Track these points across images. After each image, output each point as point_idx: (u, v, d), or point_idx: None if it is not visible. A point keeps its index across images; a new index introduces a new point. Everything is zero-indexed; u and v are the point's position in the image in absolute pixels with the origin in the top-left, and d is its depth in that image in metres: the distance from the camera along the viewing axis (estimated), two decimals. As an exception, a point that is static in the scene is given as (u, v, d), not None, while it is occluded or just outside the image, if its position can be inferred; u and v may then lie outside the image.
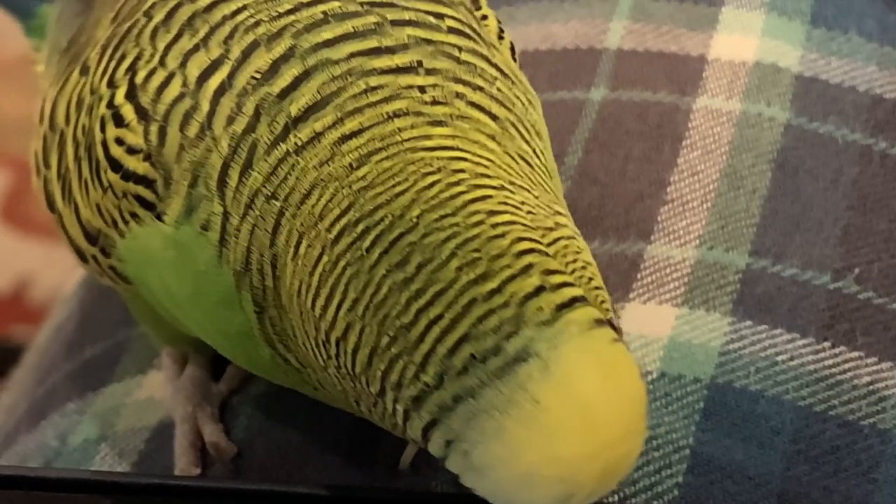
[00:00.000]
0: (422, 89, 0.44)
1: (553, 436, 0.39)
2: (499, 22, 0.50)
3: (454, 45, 0.46)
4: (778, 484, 0.50)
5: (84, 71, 0.49)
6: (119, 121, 0.46)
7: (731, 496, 0.50)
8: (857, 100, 0.60)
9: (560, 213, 0.43)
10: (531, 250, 0.40)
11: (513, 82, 0.47)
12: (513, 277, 0.40)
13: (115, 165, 0.47)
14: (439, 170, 0.42)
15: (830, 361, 0.53)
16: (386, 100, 0.44)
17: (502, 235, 0.40)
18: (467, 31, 0.47)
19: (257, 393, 0.54)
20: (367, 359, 0.40)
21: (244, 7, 0.46)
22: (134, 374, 0.58)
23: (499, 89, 0.46)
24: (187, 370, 0.55)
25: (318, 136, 0.43)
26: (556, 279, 0.40)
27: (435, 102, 0.44)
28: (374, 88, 0.44)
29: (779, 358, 0.53)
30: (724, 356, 0.53)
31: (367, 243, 0.41)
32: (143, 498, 0.48)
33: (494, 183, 0.42)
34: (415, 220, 0.41)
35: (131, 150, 0.46)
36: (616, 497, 0.50)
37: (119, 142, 0.46)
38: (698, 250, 0.56)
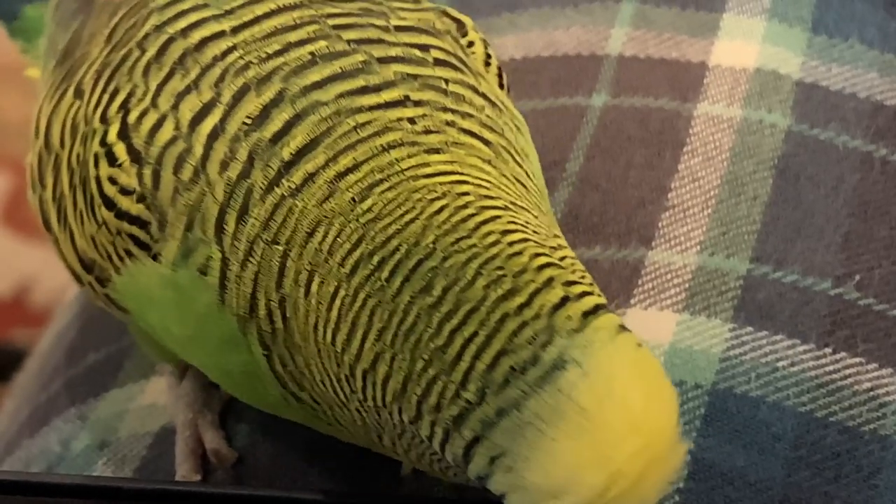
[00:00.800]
0: (412, 121, 0.45)
1: (599, 437, 0.39)
2: (485, 46, 0.50)
3: (441, 78, 0.46)
4: (779, 490, 0.50)
5: (78, 94, 0.49)
6: (112, 159, 0.47)
7: (732, 502, 0.50)
8: (858, 107, 0.60)
9: (557, 235, 0.44)
10: (549, 264, 0.41)
11: (500, 110, 0.47)
12: (538, 291, 0.40)
13: (109, 203, 0.47)
14: (444, 195, 0.42)
15: (831, 367, 0.53)
16: (377, 133, 0.44)
17: (520, 253, 0.41)
18: (454, 61, 0.47)
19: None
20: (402, 386, 0.41)
21: (234, 47, 0.46)
22: (136, 379, 0.58)
23: (487, 116, 0.46)
24: (188, 377, 0.55)
25: (311, 176, 0.43)
26: (577, 289, 0.41)
27: (427, 132, 0.44)
28: (363, 125, 0.44)
29: (780, 364, 0.53)
30: (725, 362, 0.53)
31: (385, 273, 0.41)
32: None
33: (499, 203, 0.42)
34: (431, 245, 0.41)
35: (124, 191, 0.46)
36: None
37: (112, 181, 0.47)
38: (699, 256, 0.56)
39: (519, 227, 0.42)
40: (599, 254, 0.56)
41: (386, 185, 0.43)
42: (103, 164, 0.47)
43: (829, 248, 0.56)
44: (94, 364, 0.60)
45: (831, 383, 0.53)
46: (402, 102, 0.45)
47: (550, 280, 0.41)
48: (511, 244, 0.41)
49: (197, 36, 0.47)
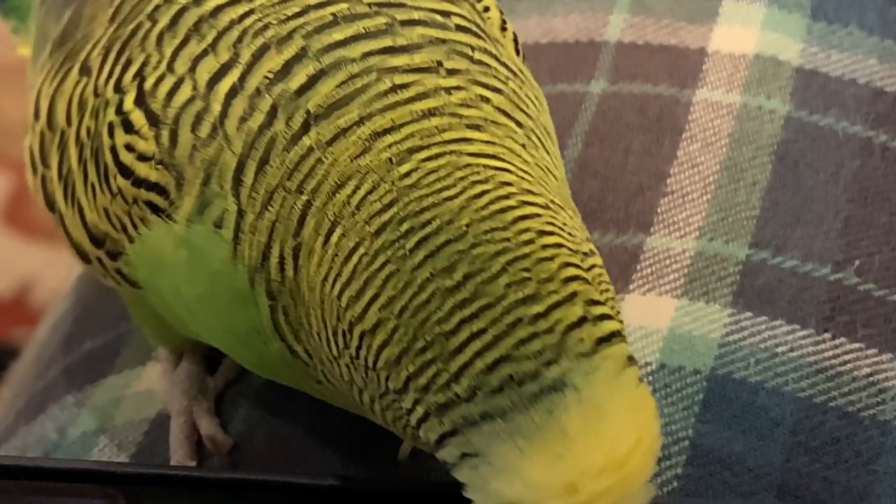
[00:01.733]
0: (448, 91, 0.44)
1: (574, 468, 0.39)
2: (501, 12, 0.50)
3: (466, 44, 0.46)
4: (778, 475, 0.50)
5: (85, 71, 0.49)
6: (129, 127, 0.46)
7: (730, 487, 0.50)
8: (857, 93, 0.60)
9: (588, 239, 0.43)
10: (576, 277, 0.40)
11: (522, 81, 0.47)
12: (559, 304, 0.40)
13: (126, 172, 0.46)
14: (487, 180, 0.41)
15: (830, 353, 0.53)
16: (416, 97, 0.43)
17: (551, 259, 0.40)
18: (474, 28, 0.47)
19: (257, 384, 0.54)
20: (396, 357, 0.40)
21: (251, 11, 0.46)
22: (133, 366, 0.58)
23: (513, 90, 0.46)
24: (183, 364, 0.55)
25: (343, 131, 0.43)
26: (597, 310, 0.40)
27: (466, 105, 0.44)
28: (400, 86, 0.44)
29: (779, 349, 0.53)
30: (724, 348, 0.53)
31: (411, 243, 0.41)
32: (142, 488, 0.48)
33: (540, 201, 0.42)
34: (464, 228, 0.41)
35: (142, 157, 0.46)
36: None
37: (129, 148, 0.46)
38: (698, 242, 0.56)
39: (556, 230, 0.41)
40: (598, 239, 0.56)
41: (427, 153, 0.42)
42: (119, 132, 0.47)
43: (828, 234, 0.56)
44: (91, 351, 0.60)
45: (831, 369, 0.52)
46: (435, 69, 0.44)
47: (573, 295, 0.40)
48: (545, 247, 0.40)
49: (211, 3, 0.46)
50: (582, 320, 0.40)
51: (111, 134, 0.47)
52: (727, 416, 0.51)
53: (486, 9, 0.49)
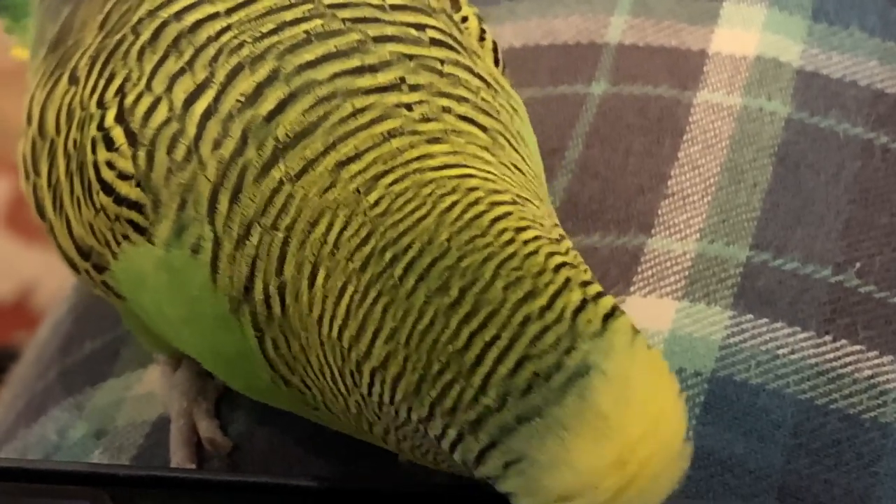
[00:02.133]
0: (408, 107, 0.44)
1: (618, 442, 0.39)
2: (479, 21, 0.50)
3: (436, 59, 0.46)
4: (778, 477, 0.50)
5: (73, 80, 0.49)
6: (110, 144, 0.46)
7: (731, 490, 0.50)
8: (858, 94, 0.60)
9: (556, 225, 0.43)
10: (564, 264, 0.41)
11: (496, 91, 0.47)
12: (558, 293, 0.40)
13: (108, 189, 0.47)
14: (454, 190, 0.42)
15: (832, 355, 0.53)
16: (376, 120, 0.44)
17: (536, 252, 0.40)
18: (449, 41, 0.47)
19: (257, 386, 0.54)
20: (415, 387, 0.40)
21: (228, 27, 0.46)
22: (134, 368, 0.58)
23: (483, 99, 0.46)
24: (182, 366, 0.55)
25: (311, 163, 0.43)
26: (592, 290, 0.40)
27: (425, 119, 0.44)
28: (361, 110, 0.44)
29: (780, 351, 0.53)
30: (725, 350, 0.53)
31: (398, 271, 0.41)
32: (142, 490, 0.48)
33: (507, 198, 0.42)
34: (445, 244, 0.41)
35: (123, 176, 0.46)
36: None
37: (110, 165, 0.46)
38: (699, 244, 0.56)
39: (530, 223, 0.41)
40: (598, 241, 0.56)
41: (391, 176, 0.42)
42: (101, 148, 0.47)
43: (829, 236, 0.56)
44: (91, 353, 0.60)
45: (832, 371, 0.52)
46: (397, 86, 0.45)
47: (567, 281, 0.40)
48: (525, 243, 0.41)
49: (191, 18, 0.47)
50: (584, 302, 0.40)
51: (94, 150, 0.47)
52: (728, 417, 0.51)
53: (465, 19, 0.49)
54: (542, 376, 0.39)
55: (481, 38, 0.49)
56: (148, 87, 0.46)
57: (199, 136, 0.45)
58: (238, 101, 0.45)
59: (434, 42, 0.47)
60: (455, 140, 0.44)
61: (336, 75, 0.45)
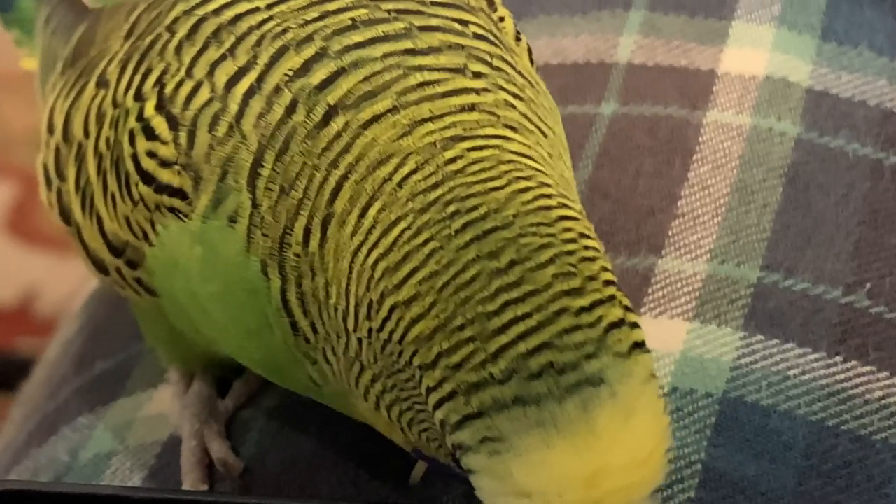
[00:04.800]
0: (477, 92, 0.44)
1: (597, 461, 0.39)
2: (515, 23, 0.50)
3: (484, 52, 0.46)
4: (790, 499, 0.50)
5: (103, 84, 0.50)
6: (150, 133, 0.47)
7: (743, 511, 0.50)
8: (867, 114, 0.60)
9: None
10: (613, 283, 0.41)
11: (537, 91, 0.47)
12: (602, 302, 0.40)
13: (147, 178, 0.47)
14: (530, 178, 0.42)
15: (842, 376, 0.53)
16: (450, 93, 0.44)
17: (593, 260, 0.41)
18: (491, 37, 0.47)
19: (269, 407, 0.54)
20: (430, 332, 0.40)
21: (270, 18, 0.46)
22: (145, 388, 0.58)
23: (531, 98, 0.46)
24: (194, 386, 0.55)
25: (378, 117, 0.43)
26: (632, 317, 0.40)
27: (498, 106, 0.44)
28: (432, 82, 0.44)
29: (791, 372, 0.53)
30: (736, 371, 0.53)
31: (457, 224, 0.41)
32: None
33: (576, 207, 0.42)
34: (511, 218, 0.41)
35: (164, 163, 0.46)
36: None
37: (151, 154, 0.47)
38: (709, 264, 0.56)
39: (592, 237, 0.41)
40: (609, 262, 0.56)
41: (471, 143, 0.42)
42: (140, 139, 0.47)
43: (839, 257, 0.56)
44: (102, 373, 0.60)
45: (842, 392, 0.52)
46: (461, 70, 0.44)
47: (612, 298, 0.40)
48: (586, 248, 0.41)
49: (230, 13, 0.47)
50: (621, 322, 0.40)
51: (132, 141, 0.47)
52: (739, 439, 0.51)
53: (502, 19, 0.49)
54: (555, 368, 0.39)
55: (517, 39, 0.49)
56: (189, 74, 0.46)
57: (241, 113, 0.45)
58: (285, 75, 0.44)
59: (477, 37, 0.46)
60: (527, 136, 0.44)
61: (389, 54, 0.44)
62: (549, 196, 0.41)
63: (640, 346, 0.40)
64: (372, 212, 0.42)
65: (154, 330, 0.54)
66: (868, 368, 0.53)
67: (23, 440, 0.61)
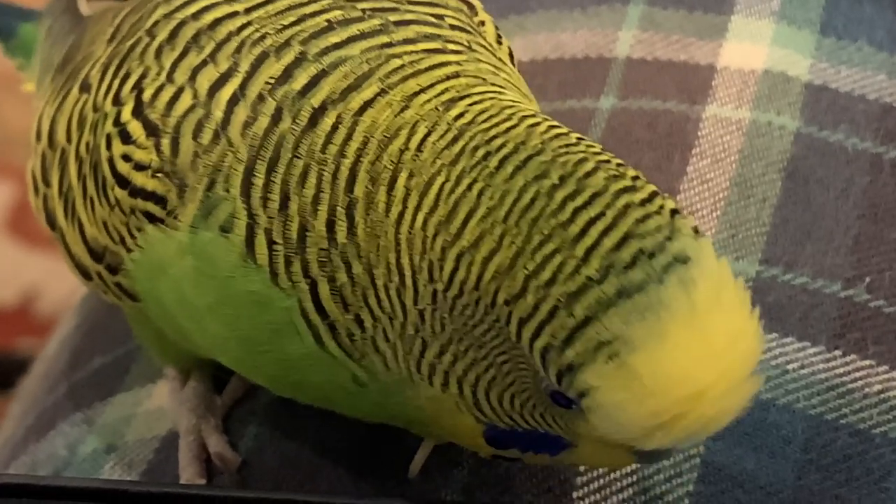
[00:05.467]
0: (459, 64, 0.45)
1: (709, 337, 0.39)
2: (496, 28, 0.50)
3: (461, 39, 0.46)
4: (789, 493, 0.50)
5: (85, 88, 0.49)
6: (126, 137, 0.46)
7: (742, 505, 0.50)
8: (867, 109, 0.60)
9: None
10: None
11: (519, 79, 0.48)
12: (656, 193, 0.41)
13: (123, 182, 0.47)
14: (535, 115, 0.43)
15: (842, 370, 0.53)
16: (434, 66, 0.44)
17: (626, 166, 0.41)
18: (469, 28, 0.47)
19: (267, 402, 0.54)
20: (510, 262, 0.40)
21: (248, 23, 0.46)
22: (143, 383, 0.58)
23: (507, 76, 0.46)
24: (190, 382, 0.55)
25: (370, 101, 0.43)
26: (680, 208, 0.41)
27: (482, 72, 0.45)
28: (413, 62, 0.44)
29: (790, 366, 0.53)
30: (735, 365, 0.53)
31: (494, 162, 0.41)
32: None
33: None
34: (539, 146, 0.41)
35: (139, 167, 0.46)
36: (627, 506, 0.50)
37: (126, 158, 0.46)
38: (709, 259, 0.56)
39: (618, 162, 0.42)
40: None
41: (469, 100, 0.43)
42: (116, 143, 0.47)
43: (839, 251, 0.56)
44: (101, 368, 0.60)
45: (842, 386, 0.52)
46: (441, 51, 0.45)
47: (658, 192, 0.41)
48: (618, 165, 0.41)
49: (209, 17, 0.47)
50: (677, 211, 0.41)
51: (108, 145, 0.47)
52: (739, 433, 0.51)
53: (482, 23, 0.49)
54: (646, 254, 0.39)
55: (499, 42, 0.49)
56: (169, 79, 0.46)
57: (226, 121, 0.45)
58: (267, 83, 0.45)
59: (454, 27, 0.47)
60: (516, 94, 0.45)
61: (367, 50, 0.45)
62: (559, 126, 0.42)
63: (697, 232, 0.41)
64: (400, 182, 0.42)
65: (141, 331, 0.54)
66: (867, 362, 0.53)
67: (21, 435, 0.61)
